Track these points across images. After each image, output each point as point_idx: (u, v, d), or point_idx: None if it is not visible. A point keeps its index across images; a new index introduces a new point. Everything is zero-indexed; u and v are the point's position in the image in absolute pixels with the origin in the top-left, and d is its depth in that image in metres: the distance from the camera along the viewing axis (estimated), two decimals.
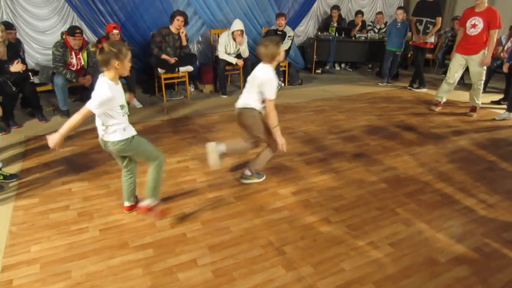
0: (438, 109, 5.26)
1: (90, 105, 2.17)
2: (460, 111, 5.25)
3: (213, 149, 2.92)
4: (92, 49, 2.17)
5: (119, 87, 2.27)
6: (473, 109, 5.12)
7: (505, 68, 5.44)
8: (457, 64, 4.97)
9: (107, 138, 2.29)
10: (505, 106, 5.16)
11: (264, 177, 3.20)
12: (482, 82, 4.94)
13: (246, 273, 2.13)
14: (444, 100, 5.24)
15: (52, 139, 2.20)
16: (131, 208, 2.68)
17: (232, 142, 3.12)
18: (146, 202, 2.56)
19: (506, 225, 2.65)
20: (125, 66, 2.20)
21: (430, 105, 5.37)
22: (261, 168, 3.14)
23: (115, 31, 4.87)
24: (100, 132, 2.33)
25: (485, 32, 4.65)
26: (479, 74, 4.87)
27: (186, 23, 5.29)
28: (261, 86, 2.74)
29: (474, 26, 4.69)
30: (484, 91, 6.22)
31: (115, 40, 4.67)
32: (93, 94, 2.18)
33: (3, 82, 4.00)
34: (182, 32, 5.32)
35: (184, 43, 5.39)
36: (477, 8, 4.68)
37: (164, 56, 5.21)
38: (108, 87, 2.15)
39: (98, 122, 2.29)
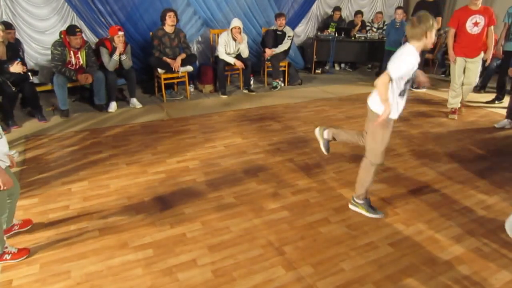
0: (456, 116, 4.95)
1: None
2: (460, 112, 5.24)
3: (319, 134, 3.02)
4: None
5: None
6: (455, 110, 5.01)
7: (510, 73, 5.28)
8: (459, 69, 4.80)
9: None
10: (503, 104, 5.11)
11: (379, 216, 2.70)
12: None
13: (246, 273, 2.13)
14: (458, 105, 5.01)
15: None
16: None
17: (343, 132, 2.95)
18: None
19: None
20: None
21: (447, 113, 5.05)
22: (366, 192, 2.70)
23: (120, 33, 4.71)
24: None
25: (485, 30, 4.57)
26: (477, 73, 4.81)
27: (177, 19, 5.28)
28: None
29: (476, 24, 4.55)
30: (484, 91, 6.26)
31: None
32: None
33: (2, 82, 4.00)
34: (185, 45, 5.42)
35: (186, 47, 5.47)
36: (474, 7, 4.55)
37: (165, 59, 5.21)
38: None
39: None
